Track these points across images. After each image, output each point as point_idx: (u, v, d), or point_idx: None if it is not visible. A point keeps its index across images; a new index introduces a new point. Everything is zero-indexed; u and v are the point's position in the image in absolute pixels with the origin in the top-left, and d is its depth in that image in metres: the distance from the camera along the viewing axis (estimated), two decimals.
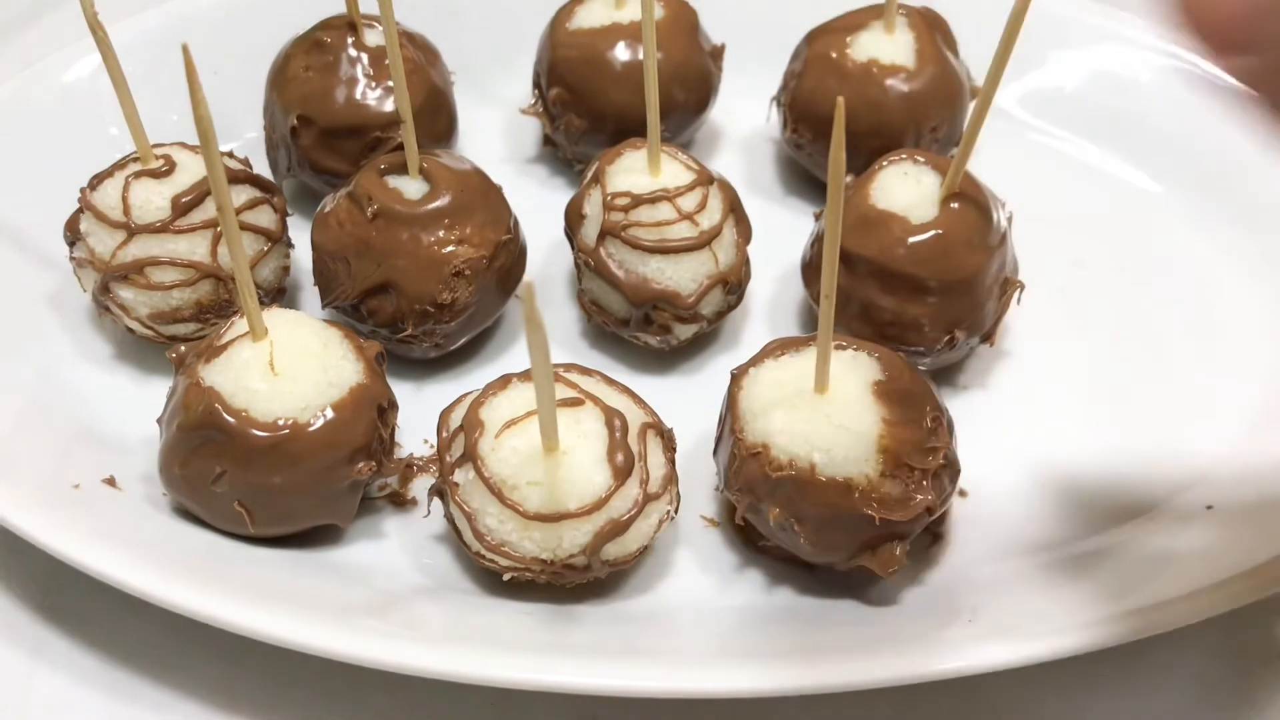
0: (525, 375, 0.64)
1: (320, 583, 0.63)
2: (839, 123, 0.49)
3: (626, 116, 0.82)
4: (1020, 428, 0.74)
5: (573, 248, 0.75)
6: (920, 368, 0.71)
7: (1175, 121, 0.89)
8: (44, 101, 0.84)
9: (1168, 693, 0.63)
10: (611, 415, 0.61)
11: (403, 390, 0.71)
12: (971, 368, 0.77)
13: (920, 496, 0.60)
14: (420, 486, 0.69)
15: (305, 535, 0.65)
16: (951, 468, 0.63)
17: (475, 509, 0.60)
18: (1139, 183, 0.89)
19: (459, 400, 0.65)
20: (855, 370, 0.63)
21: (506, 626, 0.61)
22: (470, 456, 0.60)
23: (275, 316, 0.63)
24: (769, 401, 0.62)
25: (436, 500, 0.65)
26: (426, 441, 0.72)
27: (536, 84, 0.86)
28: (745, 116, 0.93)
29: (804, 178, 0.89)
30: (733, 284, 0.74)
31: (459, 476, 0.61)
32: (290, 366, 0.61)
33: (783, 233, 0.83)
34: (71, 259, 0.72)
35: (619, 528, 0.60)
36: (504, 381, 0.63)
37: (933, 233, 0.70)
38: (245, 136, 0.89)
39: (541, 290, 0.82)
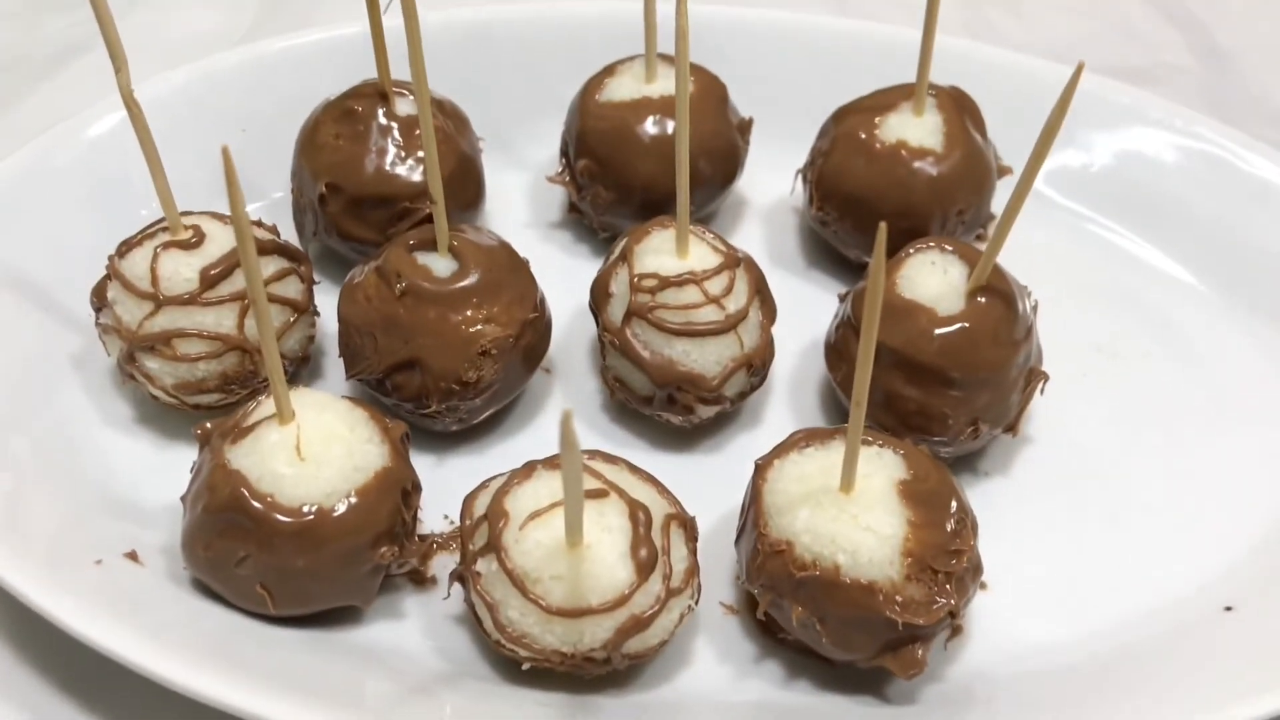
0: (549, 463, 0.64)
1: (340, 668, 0.63)
2: (879, 252, 0.49)
3: (653, 189, 0.82)
4: (1040, 516, 0.74)
5: (598, 324, 0.75)
6: (942, 455, 0.71)
7: (1205, 208, 0.89)
8: (69, 157, 0.84)
9: None
10: (635, 509, 0.61)
11: (423, 463, 0.71)
12: (993, 453, 0.77)
13: (943, 600, 0.60)
14: (441, 564, 0.69)
15: (324, 614, 0.65)
16: (975, 569, 0.63)
17: (497, 600, 0.60)
18: (1166, 267, 0.89)
19: (483, 486, 0.65)
20: (881, 469, 0.63)
21: (525, 718, 0.61)
22: (494, 547, 0.60)
23: (302, 398, 0.63)
24: (794, 498, 0.62)
25: (453, 590, 0.65)
26: (447, 517, 0.72)
27: (564, 153, 0.86)
28: (769, 188, 0.93)
29: (827, 252, 0.89)
30: (756, 366, 0.74)
31: (482, 566, 0.61)
32: (317, 451, 0.61)
33: (805, 307, 0.83)
34: (98, 325, 0.72)
35: (641, 624, 0.60)
36: (528, 470, 0.63)
37: (960, 326, 0.70)
38: (271, 196, 0.89)
39: (563, 361, 0.82)
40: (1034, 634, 0.68)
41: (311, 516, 0.60)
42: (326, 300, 0.78)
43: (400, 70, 0.79)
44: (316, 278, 0.77)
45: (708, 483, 0.71)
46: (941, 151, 0.80)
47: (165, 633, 0.60)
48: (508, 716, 0.61)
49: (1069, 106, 0.62)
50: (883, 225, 0.49)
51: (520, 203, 0.92)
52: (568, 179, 0.86)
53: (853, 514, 0.60)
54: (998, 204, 0.85)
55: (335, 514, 0.61)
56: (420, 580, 0.68)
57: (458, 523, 0.71)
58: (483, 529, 0.61)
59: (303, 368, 0.76)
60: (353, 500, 0.61)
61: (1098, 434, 0.79)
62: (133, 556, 0.66)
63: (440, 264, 0.71)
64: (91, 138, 0.85)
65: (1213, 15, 1.23)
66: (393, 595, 0.68)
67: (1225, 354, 0.83)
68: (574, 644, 0.60)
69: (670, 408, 0.74)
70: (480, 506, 0.63)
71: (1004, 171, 0.85)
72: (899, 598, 0.59)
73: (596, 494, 0.61)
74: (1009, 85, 0.92)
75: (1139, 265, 0.89)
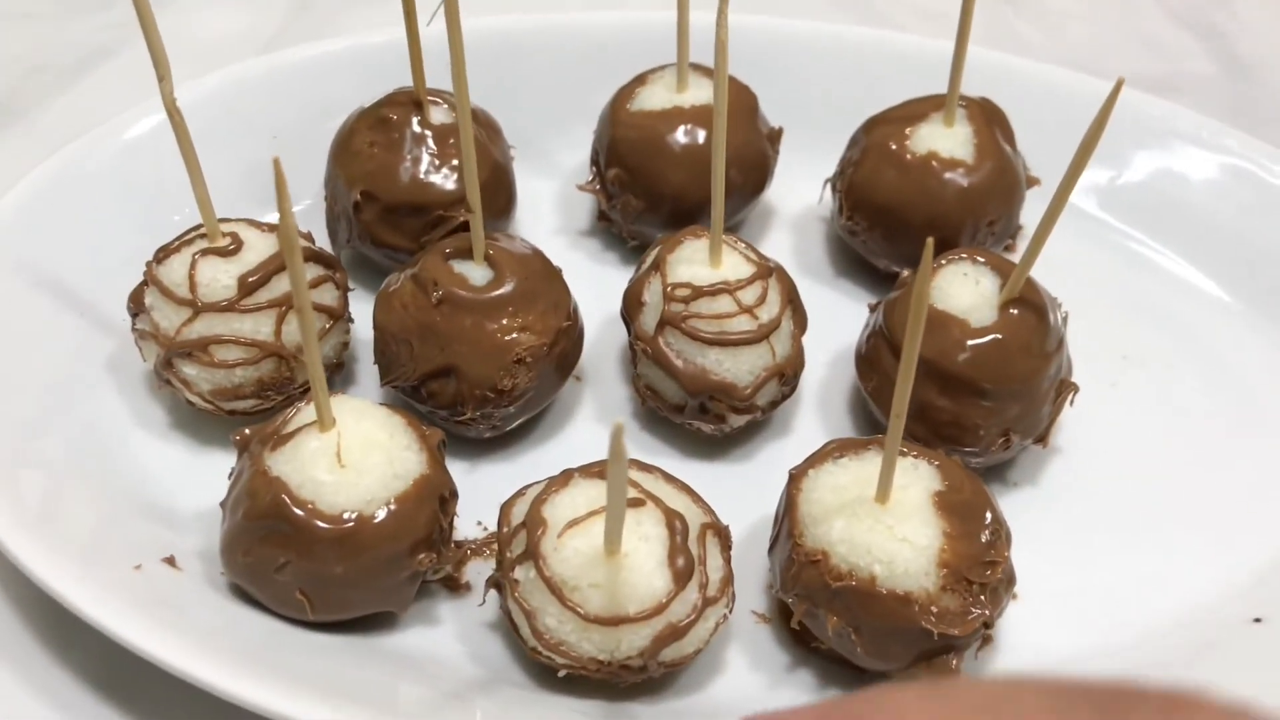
0: (586, 471, 0.64)
1: (376, 674, 0.63)
2: (925, 265, 0.49)
3: (684, 199, 0.83)
4: (1069, 527, 0.74)
5: (629, 332, 0.76)
6: (973, 465, 0.72)
7: (1233, 220, 0.89)
8: (103, 162, 0.84)
9: None
10: (672, 518, 0.61)
11: (457, 470, 0.71)
12: (1022, 464, 0.77)
13: (978, 611, 0.60)
14: (474, 569, 0.70)
15: (360, 620, 0.65)
16: (1008, 579, 0.63)
17: (535, 608, 0.61)
18: (1194, 280, 0.90)
19: (520, 493, 0.65)
20: (917, 480, 0.63)
21: None
22: (532, 554, 0.60)
23: (342, 405, 0.64)
24: (829, 508, 0.63)
25: (489, 595, 0.65)
26: (480, 524, 0.72)
27: (594, 161, 0.87)
28: (797, 196, 0.93)
29: (855, 260, 0.90)
30: (788, 375, 0.74)
31: (519, 574, 0.61)
32: (357, 458, 0.62)
33: (834, 316, 0.84)
34: (134, 330, 0.73)
35: (678, 632, 0.60)
36: (566, 478, 0.64)
37: (992, 337, 0.70)
38: (303, 203, 0.89)
39: (594, 368, 0.82)
40: (1062, 644, 0.68)
41: (352, 524, 0.61)
42: (360, 308, 0.78)
43: (434, 79, 0.80)
44: (351, 286, 0.78)
45: (738, 491, 0.72)
46: (972, 163, 0.81)
47: (206, 637, 0.60)
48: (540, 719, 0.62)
49: (1108, 120, 0.62)
50: (929, 241, 0.49)
51: (550, 211, 0.93)
52: (598, 187, 0.87)
53: (889, 525, 0.61)
54: (1025, 215, 0.86)
55: (375, 521, 0.61)
56: (455, 586, 0.69)
57: (491, 529, 0.72)
58: (520, 536, 0.62)
59: (337, 374, 0.76)
60: (392, 507, 0.61)
61: (1126, 445, 0.79)
62: (170, 561, 0.66)
63: (476, 272, 0.71)
64: (125, 143, 0.86)
65: (1233, 25, 1.23)
66: (427, 601, 0.68)
67: (1253, 366, 0.84)
68: (611, 652, 0.60)
69: (702, 416, 0.74)
70: (518, 514, 0.63)
71: (1032, 183, 0.85)
72: (934, 608, 0.60)
73: (634, 503, 0.61)
74: (1037, 96, 0.92)
75: (1167, 277, 0.90)
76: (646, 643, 0.60)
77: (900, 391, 0.57)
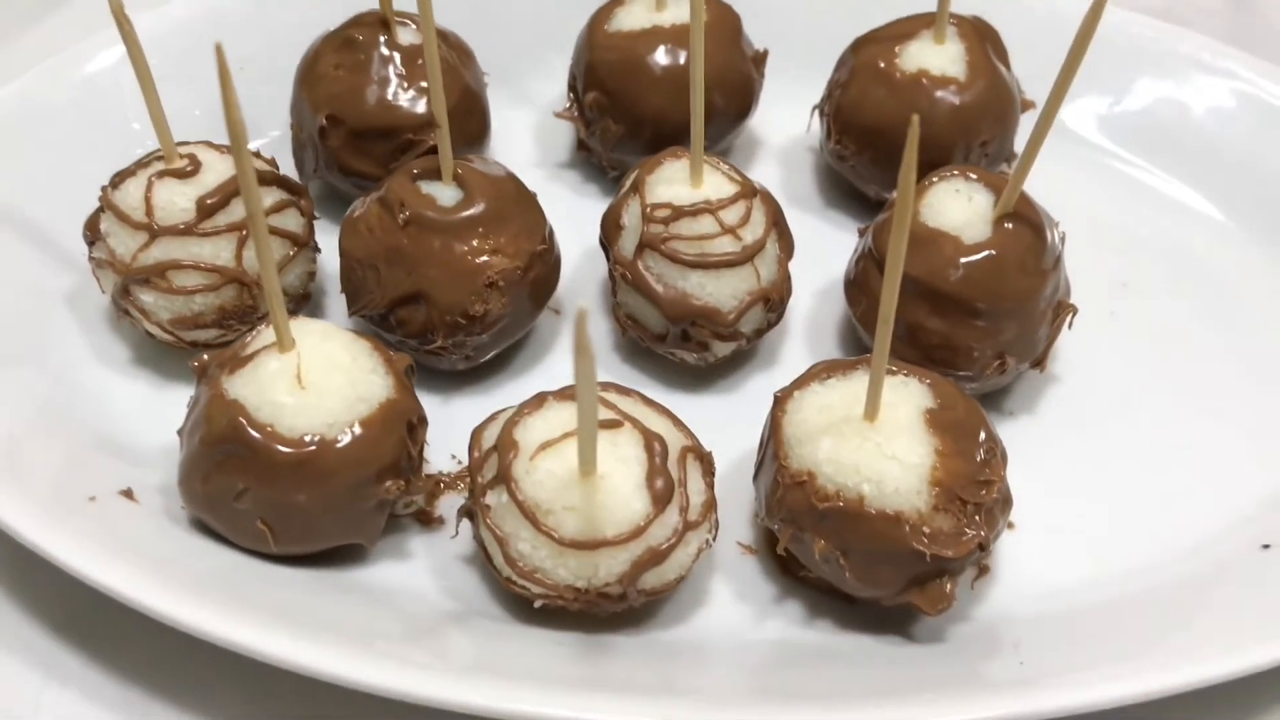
0: (561, 394, 0.61)
1: (344, 606, 0.60)
2: (911, 144, 0.46)
3: (665, 122, 0.79)
4: (1068, 456, 0.72)
5: (608, 259, 0.72)
6: (967, 391, 0.69)
7: (1234, 143, 0.86)
8: (64, 94, 0.81)
9: None
10: (651, 439, 0.58)
11: (430, 403, 0.68)
12: (1018, 392, 0.74)
13: (972, 532, 0.57)
14: (447, 504, 0.67)
15: (328, 554, 0.63)
16: (1004, 501, 0.60)
17: (508, 533, 0.58)
18: (1194, 204, 0.87)
19: (492, 418, 0.62)
20: (907, 398, 0.60)
21: (538, 658, 0.59)
22: (504, 479, 0.57)
23: (303, 327, 0.61)
24: (815, 428, 0.60)
25: (465, 521, 0.62)
26: (454, 457, 0.69)
27: (572, 87, 0.83)
28: (784, 125, 0.90)
29: (844, 189, 0.87)
30: (774, 301, 0.71)
31: (491, 499, 0.58)
32: (318, 380, 0.59)
33: (822, 246, 0.81)
34: (91, 259, 0.70)
35: (657, 556, 0.57)
36: (539, 400, 0.61)
37: (986, 254, 0.67)
38: (270, 135, 0.86)
39: (572, 302, 0.79)
40: (1063, 575, 0.66)
41: (313, 447, 0.58)
42: (326, 240, 0.75)
43: (403, 3, 0.77)
44: (317, 215, 0.74)
45: (724, 422, 0.68)
46: (964, 80, 0.77)
47: (164, 569, 0.58)
48: (520, 656, 0.59)
49: (1095, 29, 0.59)
50: (915, 118, 0.46)
51: (526, 141, 0.90)
52: (576, 114, 0.83)
53: (877, 442, 0.58)
54: (1021, 139, 0.82)
55: (338, 445, 0.58)
56: (427, 520, 0.66)
57: (465, 464, 0.69)
58: (492, 461, 0.59)
59: (303, 305, 0.73)
60: (356, 431, 0.59)
61: (1126, 372, 0.76)
62: (128, 494, 0.63)
63: (445, 193, 0.68)
64: (86, 75, 0.82)
65: None
66: (399, 535, 0.65)
67: (1255, 289, 0.81)
68: (588, 579, 0.57)
69: (684, 345, 0.71)
70: (489, 438, 0.61)
71: (1026, 105, 0.82)
72: (926, 529, 0.57)
73: (610, 424, 0.58)
74: (1031, 20, 0.89)
75: (1167, 202, 0.87)
76: (625, 568, 0.57)
77: (887, 294, 0.54)
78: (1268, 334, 0.78)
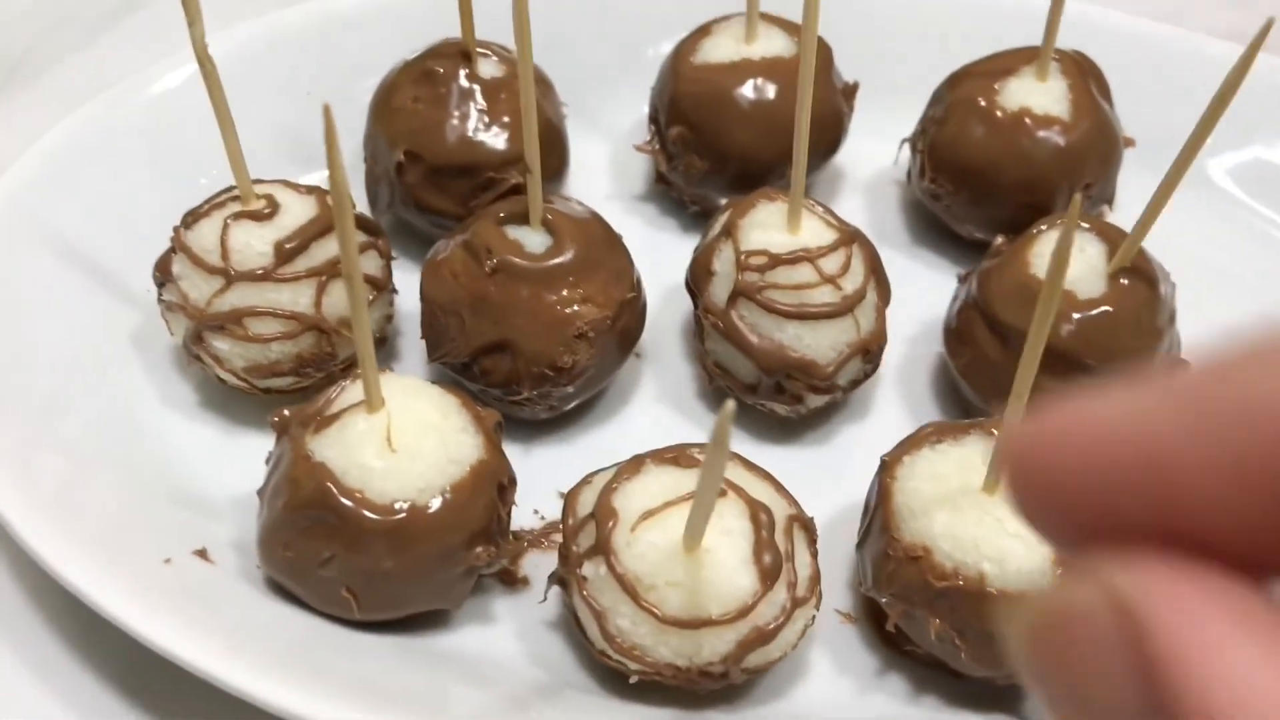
0: (658, 457, 0.58)
1: (427, 677, 0.57)
2: (1068, 229, 0.43)
3: (751, 159, 0.76)
4: None
5: (696, 305, 0.69)
6: None
7: None
8: (128, 118, 0.78)
9: None
10: (757, 509, 0.55)
11: (511, 453, 0.65)
12: None
13: None
14: (532, 562, 0.64)
15: (410, 618, 0.60)
16: None
17: (606, 608, 0.55)
18: None
19: (586, 481, 0.59)
20: None
21: None
22: (603, 550, 0.54)
23: (390, 384, 0.58)
24: (929, 499, 0.57)
25: (550, 591, 0.59)
26: (537, 512, 0.66)
27: (654, 119, 0.80)
28: (869, 158, 0.86)
29: (934, 226, 0.83)
30: (872, 352, 0.68)
31: (588, 570, 0.55)
32: (409, 442, 0.56)
33: (914, 287, 0.77)
34: (161, 301, 0.67)
35: (765, 636, 0.54)
36: (637, 464, 0.58)
37: (1101, 310, 0.64)
38: None
39: (654, 344, 0.76)
40: None
41: (404, 514, 0.55)
42: (401, 278, 0.72)
43: (482, 30, 0.74)
44: (395, 256, 0.71)
45: (815, 479, 0.65)
46: (1069, 120, 0.74)
47: (240, 637, 0.55)
48: None
49: (1243, 79, 0.56)
50: (1077, 197, 0.42)
51: (602, 174, 0.86)
52: (657, 147, 0.80)
53: (998, 518, 0.55)
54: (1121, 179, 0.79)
55: (429, 511, 0.55)
56: (511, 581, 0.63)
57: (549, 518, 0.66)
58: (589, 529, 0.56)
59: (380, 350, 0.70)
60: (447, 496, 0.56)
61: None
62: (203, 554, 0.60)
63: (533, 239, 0.65)
64: (151, 100, 0.79)
65: None
66: (481, 597, 0.62)
67: None
68: (690, 657, 0.54)
69: (777, 397, 0.68)
70: (585, 504, 0.57)
71: (1128, 143, 0.78)
72: None
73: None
74: (1128, 51, 0.85)
75: None
76: (730, 648, 0.54)
77: (1025, 370, 0.50)
78: None
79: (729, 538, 0.54)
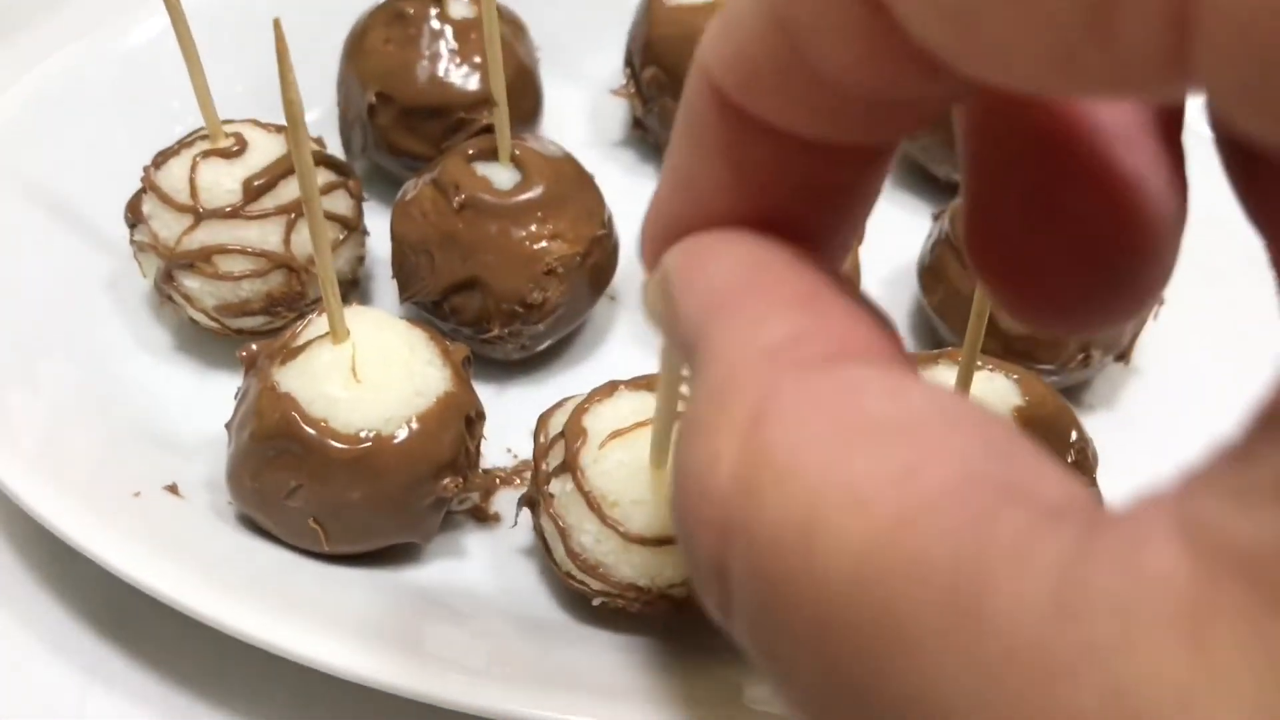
0: (634, 383, 0.58)
1: (398, 608, 0.57)
2: None
3: None
4: (1149, 455, 0.67)
5: None
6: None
7: None
8: (102, 70, 0.78)
9: None
10: None
11: (484, 393, 0.65)
12: (1099, 386, 0.71)
13: None
14: (504, 500, 0.64)
15: (381, 553, 0.60)
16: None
17: (570, 525, 0.55)
18: None
19: (559, 404, 0.59)
20: (993, 394, 0.57)
21: (598, 667, 0.56)
22: (570, 467, 0.54)
23: (357, 316, 0.58)
24: None
25: (521, 518, 0.59)
26: (510, 450, 0.67)
27: (629, 63, 0.80)
28: None
29: (914, 170, 0.83)
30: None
31: (555, 487, 0.55)
32: (374, 373, 0.56)
33: (891, 230, 0.76)
34: (133, 242, 0.67)
35: None
36: (610, 388, 0.58)
37: None
38: (312, 112, 0.83)
39: (628, 287, 0.76)
40: None
41: (369, 444, 0.55)
42: (373, 223, 0.72)
43: None
44: (365, 196, 0.71)
45: None
46: None
47: (211, 568, 0.55)
48: (578, 662, 0.56)
49: None
50: None
51: (578, 121, 0.86)
52: (632, 91, 0.80)
53: None
54: None
55: (395, 441, 0.55)
56: (483, 517, 0.63)
57: (521, 457, 0.66)
58: (558, 448, 0.56)
59: (351, 292, 0.70)
60: (414, 426, 0.56)
61: (1212, 365, 0.72)
62: (173, 490, 0.61)
63: (502, 175, 0.65)
64: (124, 50, 0.79)
65: None
66: (453, 533, 0.62)
67: None
68: (652, 577, 0.54)
69: None
70: (556, 425, 0.57)
71: None
72: None
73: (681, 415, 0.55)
74: None
75: None
76: None
77: (981, 294, 0.50)
78: None
79: None
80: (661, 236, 0.28)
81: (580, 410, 0.56)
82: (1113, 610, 0.16)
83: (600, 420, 0.55)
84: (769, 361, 0.22)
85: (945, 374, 0.58)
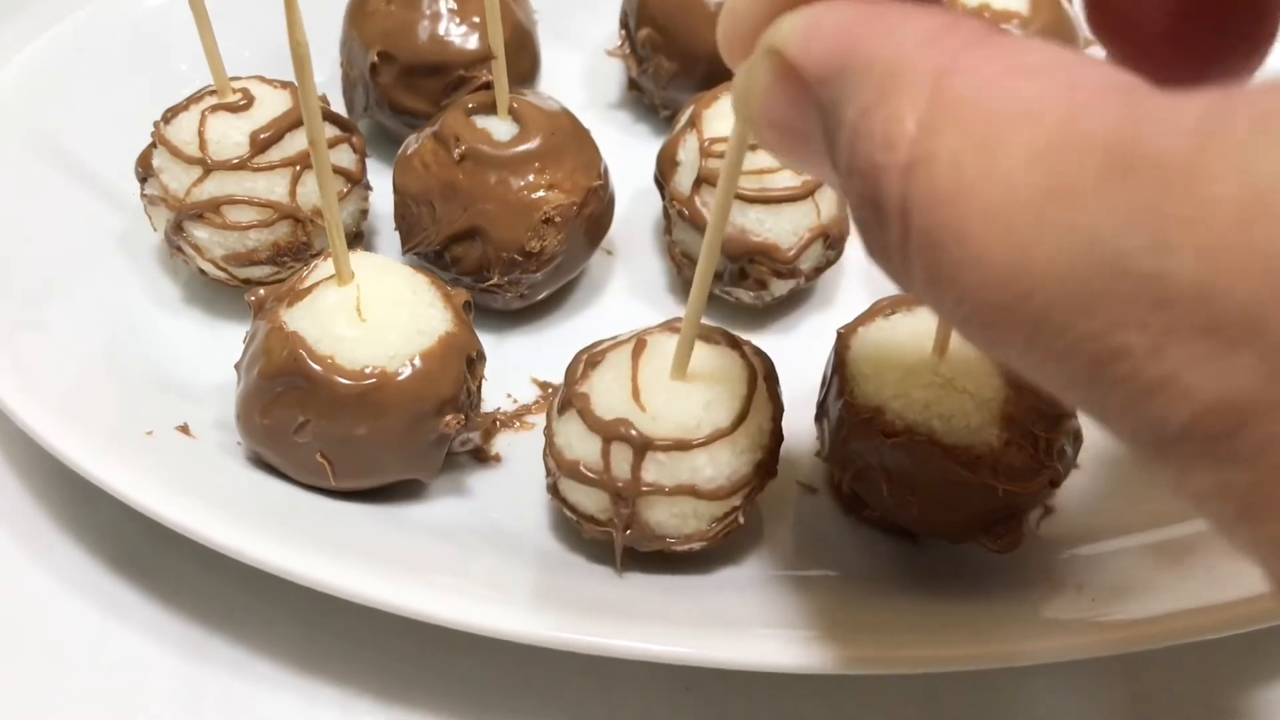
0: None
1: (404, 539, 0.60)
2: None
3: (717, 59, 0.76)
4: None
5: (663, 196, 0.71)
6: None
7: None
8: (114, 32, 0.80)
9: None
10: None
11: (485, 340, 0.67)
12: None
13: (1045, 468, 0.56)
14: (505, 441, 0.66)
15: (386, 489, 0.62)
16: (1076, 437, 0.59)
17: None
18: None
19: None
20: None
21: (599, 592, 0.58)
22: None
23: (361, 260, 0.60)
24: (882, 364, 0.59)
25: (521, 458, 0.62)
26: (510, 395, 0.69)
27: (624, 24, 0.82)
28: None
29: None
30: (834, 237, 0.70)
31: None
32: (378, 313, 0.58)
33: None
34: (143, 196, 0.69)
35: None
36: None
37: None
38: (316, 74, 0.84)
39: (625, 242, 0.78)
40: (1128, 516, 0.64)
41: (374, 380, 0.57)
42: (377, 180, 0.74)
43: None
44: (368, 153, 0.73)
45: (782, 363, 0.67)
46: (1027, 15, 0.75)
47: (223, 502, 0.57)
48: (580, 589, 0.58)
49: None
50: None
51: (576, 82, 0.88)
52: (627, 51, 0.82)
53: (948, 377, 0.57)
54: None
55: (399, 378, 0.57)
56: (484, 458, 0.65)
57: (521, 401, 0.68)
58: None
59: (355, 245, 0.73)
60: (417, 364, 0.58)
61: None
62: (184, 430, 0.63)
63: (501, 127, 0.67)
64: (134, 13, 0.82)
65: None
66: (456, 472, 0.65)
67: None
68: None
69: (742, 282, 0.70)
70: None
71: (1089, 43, 0.80)
72: (998, 465, 0.56)
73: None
74: None
75: None
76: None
77: None
78: None
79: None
80: (742, 31, 0.35)
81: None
82: (1251, 121, 0.22)
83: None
84: (932, 43, 0.27)
85: (929, 314, 0.60)
